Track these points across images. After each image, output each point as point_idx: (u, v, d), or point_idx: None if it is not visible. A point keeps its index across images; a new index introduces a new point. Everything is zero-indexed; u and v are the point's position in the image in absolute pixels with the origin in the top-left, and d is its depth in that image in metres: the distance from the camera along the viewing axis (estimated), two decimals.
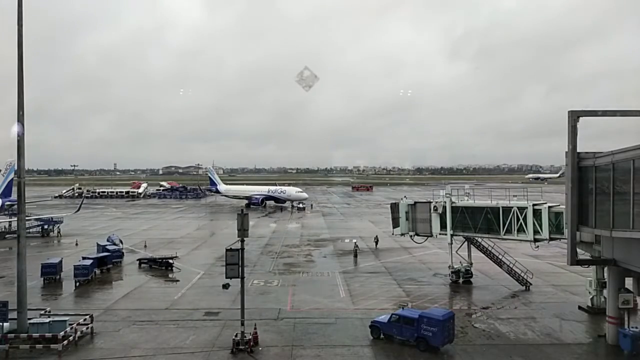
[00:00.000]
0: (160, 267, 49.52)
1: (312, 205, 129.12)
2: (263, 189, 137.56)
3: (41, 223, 76.23)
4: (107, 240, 58.16)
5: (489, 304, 36.76)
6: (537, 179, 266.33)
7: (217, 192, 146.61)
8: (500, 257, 42.93)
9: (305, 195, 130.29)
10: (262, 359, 26.41)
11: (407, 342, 27.99)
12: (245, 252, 28.99)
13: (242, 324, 27.77)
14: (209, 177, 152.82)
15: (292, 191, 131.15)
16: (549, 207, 36.10)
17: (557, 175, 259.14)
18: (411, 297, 38.61)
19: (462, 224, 41.88)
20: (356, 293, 39.97)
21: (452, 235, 42.40)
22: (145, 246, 62.91)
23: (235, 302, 32.95)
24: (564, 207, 31.63)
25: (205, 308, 35.35)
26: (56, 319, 29.01)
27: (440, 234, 43.82)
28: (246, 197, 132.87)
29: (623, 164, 24.42)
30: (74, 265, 43.90)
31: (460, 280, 43.07)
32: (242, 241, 28.63)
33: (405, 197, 49.90)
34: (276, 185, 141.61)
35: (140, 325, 31.83)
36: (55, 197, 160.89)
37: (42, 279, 43.51)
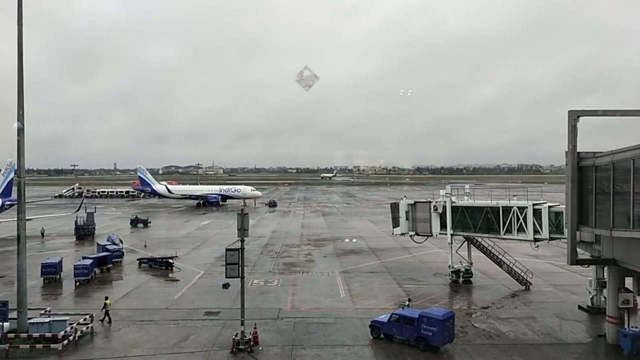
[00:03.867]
0: (160, 266, 49.56)
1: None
2: (214, 188, 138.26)
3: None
4: (107, 240, 58.20)
5: (489, 304, 36.77)
6: (325, 177, 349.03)
7: (153, 192, 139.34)
8: (500, 256, 42.93)
9: (259, 193, 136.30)
10: (262, 358, 26.41)
11: (407, 342, 28.00)
12: (245, 251, 29.02)
13: (242, 324, 27.79)
14: (140, 177, 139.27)
15: (246, 190, 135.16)
16: (549, 206, 36.13)
17: (331, 175, 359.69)
18: (411, 297, 38.55)
19: (462, 223, 41.91)
20: (356, 293, 39.98)
21: (452, 235, 42.42)
22: (145, 246, 62.96)
23: (235, 302, 32.98)
24: (564, 206, 31.63)
25: (206, 308, 35.36)
26: (56, 318, 29.02)
27: (440, 233, 43.84)
28: (199, 197, 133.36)
29: (623, 164, 24.41)
30: (74, 265, 43.95)
31: (460, 280, 43.06)
32: (242, 241, 28.64)
33: (405, 196, 49.89)
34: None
35: (140, 324, 31.85)
36: (55, 196, 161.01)
37: (42, 278, 43.53)
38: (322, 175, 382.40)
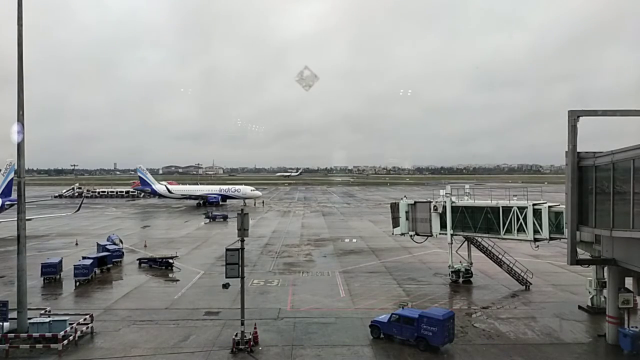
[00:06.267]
0: (160, 266, 49.56)
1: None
2: (214, 188, 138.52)
3: None
4: (107, 240, 58.18)
5: (489, 304, 36.76)
6: (283, 176, 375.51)
7: (153, 192, 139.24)
8: (500, 256, 42.92)
9: (259, 193, 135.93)
10: (262, 358, 26.41)
11: (407, 342, 28.00)
12: (245, 251, 29.02)
13: (242, 324, 27.79)
14: (140, 177, 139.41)
15: (246, 190, 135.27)
16: (549, 206, 36.14)
17: (297, 174, 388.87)
18: (411, 297, 38.61)
19: (462, 223, 41.91)
20: (356, 293, 39.96)
21: (452, 235, 42.42)
22: (145, 246, 62.97)
23: (235, 302, 32.97)
24: (564, 206, 31.64)
25: (205, 308, 35.35)
26: (56, 318, 29.01)
27: (440, 233, 43.84)
28: (199, 197, 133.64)
29: (623, 164, 24.42)
30: (74, 265, 43.95)
31: (460, 280, 43.06)
32: (242, 241, 28.64)
33: (405, 196, 49.88)
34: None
35: (140, 325, 31.84)
36: (55, 196, 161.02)
37: (42, 278, 43.53)
38: (285, 174, 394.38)
